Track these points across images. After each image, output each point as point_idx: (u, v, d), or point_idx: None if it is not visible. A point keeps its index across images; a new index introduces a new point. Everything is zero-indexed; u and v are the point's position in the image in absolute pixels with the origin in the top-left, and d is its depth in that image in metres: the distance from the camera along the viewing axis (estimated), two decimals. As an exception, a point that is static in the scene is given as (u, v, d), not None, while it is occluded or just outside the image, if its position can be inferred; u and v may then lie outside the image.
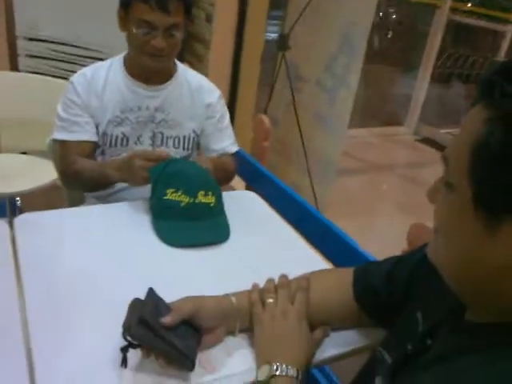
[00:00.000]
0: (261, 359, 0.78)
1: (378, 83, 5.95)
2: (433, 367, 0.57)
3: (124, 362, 0.75)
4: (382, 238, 2.66)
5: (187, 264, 1.09)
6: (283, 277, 0.89)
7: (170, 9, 1.27)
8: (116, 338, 0.77)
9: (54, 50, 2.39)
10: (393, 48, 7.02)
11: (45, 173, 2.10)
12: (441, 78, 6.12)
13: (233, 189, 2.11)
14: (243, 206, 1.39)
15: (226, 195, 1.30)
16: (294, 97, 2.52)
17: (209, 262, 1.10)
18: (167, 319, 0.76)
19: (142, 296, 0.81)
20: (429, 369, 0.58)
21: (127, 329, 0.74)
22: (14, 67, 2.43)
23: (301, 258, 1.17)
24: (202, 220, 1.19)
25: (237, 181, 2.06)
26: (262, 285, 0.90)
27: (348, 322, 0.90)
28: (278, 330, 0.81)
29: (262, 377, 0.75)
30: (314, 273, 0.93)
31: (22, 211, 2.28)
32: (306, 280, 0.88)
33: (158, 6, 1.26)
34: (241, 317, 0.85)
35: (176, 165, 1.21)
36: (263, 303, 0.85)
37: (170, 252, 1.12)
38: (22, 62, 2.43)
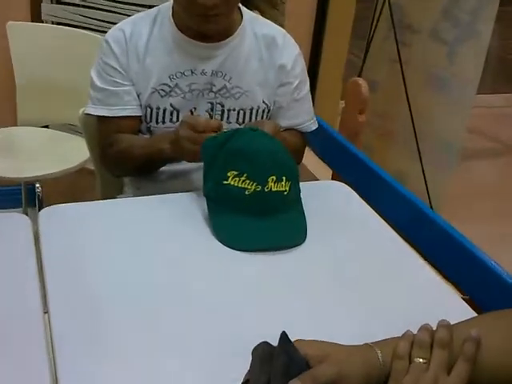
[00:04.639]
0: None
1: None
2: None
3: None
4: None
5: (252, 272, 1.12)
6: (445, 330, 0.84)
7: None
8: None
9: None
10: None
11: (72, 152, 2.19)
12: None
13: (315, 178, 2.12)
14: (329, 201, 1.41)
15: (307, 187, 1.32)
16: (399, 53, 2.49)
17: (281, 272, 1.13)
18: None
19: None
20: None
21: None
22: (35, 16, 2.52)
23: (407, 274, 1.17)
24: (272, 215, 1.21)
25: (321, 168, 2.07)
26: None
27: None
28: None
29: None
30: (481, 323, 0.89)
31: (42, 201, 2.38)
32: (475, 344, 0.82)
33: None
34: (381, 376, 0.83)
35: (240, 138, 1.23)
36: (410, 360, 0.83)
37: (231, 255, 1.16)
38: (46, 9, 2.51)
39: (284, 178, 1.23)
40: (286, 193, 1.23)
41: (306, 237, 1.23)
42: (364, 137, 2.32)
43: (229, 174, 1.20)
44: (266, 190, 1.20)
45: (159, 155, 1.41)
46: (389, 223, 1.36)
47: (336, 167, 1.99)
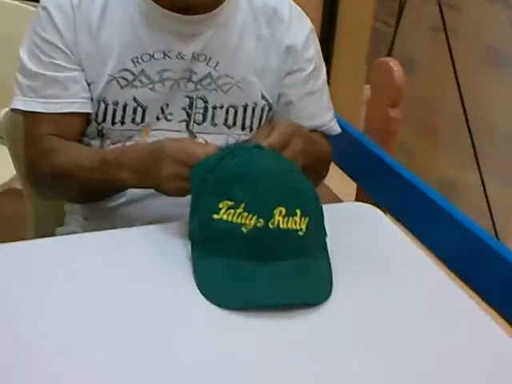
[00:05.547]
0: None
1: None
2: None
3: None
4: None
5: (251, 339, 1.11)
6: None
7: None
8: None
9: None
10: None
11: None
12: None
13: (334, 197, 2.11)
14: (354, 230, 1.40)
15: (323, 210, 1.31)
16: (444, 19, 2.50)
17: (290, 338, 1.11)
18: None
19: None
20: None
21: None
22: None
23: (466, 328, 1.16)
24: (279, 262, 1.20)
25: (341, 182, 2.06)
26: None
27: None
28: None
29: None
30: None
31: None
32: None
33: None
34: None
35: (237, 157, 1.23)
36: None
37: (221, 316, 1.14)
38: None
39: (298, 211, 1.20)
40: (300, 233, 1.20)
41: (330, 293, 1.20)
42: (399, 135, 2.32)
43: (220, 206, 1.19)
44: (271, 227, 1.18)
45: (116, 185, 1.40)
46: (434, 257, 1.38)
47: (362, 181, 2.00)
